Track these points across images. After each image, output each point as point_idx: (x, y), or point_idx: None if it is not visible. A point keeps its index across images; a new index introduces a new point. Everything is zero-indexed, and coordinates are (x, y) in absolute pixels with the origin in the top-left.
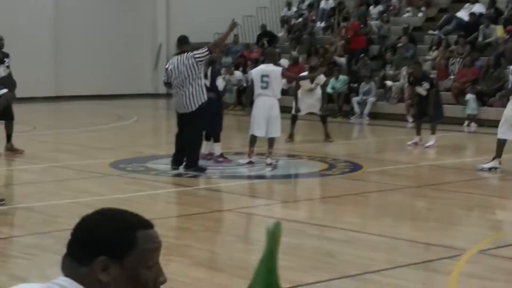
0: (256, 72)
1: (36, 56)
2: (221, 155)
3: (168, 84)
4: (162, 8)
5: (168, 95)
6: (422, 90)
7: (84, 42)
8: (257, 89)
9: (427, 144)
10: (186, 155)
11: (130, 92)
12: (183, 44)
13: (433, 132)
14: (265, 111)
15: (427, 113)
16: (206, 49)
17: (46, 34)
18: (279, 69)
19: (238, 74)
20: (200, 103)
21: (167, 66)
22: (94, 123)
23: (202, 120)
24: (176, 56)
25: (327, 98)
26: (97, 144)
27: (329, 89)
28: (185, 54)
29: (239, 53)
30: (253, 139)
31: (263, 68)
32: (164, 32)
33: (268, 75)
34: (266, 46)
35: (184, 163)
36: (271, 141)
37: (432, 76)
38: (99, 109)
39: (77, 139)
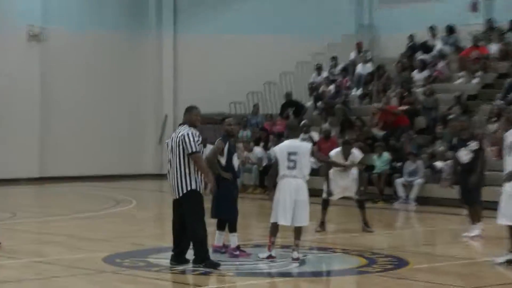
0: (281, 149)
1: (21, 134)
2: (238, 248)
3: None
4: (169, 74)
5: None
6: (465, 153)
7: (76, 117)
8: (282, 169)
9: (471, 234)
10: (193, 249)
11: (129, 172)
12: (185, 114)
13: (477, 220)
14: (291, 195)
15: (470, 187)
16: (197, 141)
17: (31, 111)
18: (309, 145)
19: (258, 150)
20: (193, 187)
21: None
22: (86, 209)
23: (198, 204)
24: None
25: (365, 180)
26: (89, 235)
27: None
28: (183, 126)
29: (260, 125)
30: (276, 228)
31: (289, 144)
32: (170, 101)
33: (296, 152)
34: (292, 117)
35: (187, 259)
36: (298, 231)
37: (481, 135)
38: (92, 193)
39: (65, 229)
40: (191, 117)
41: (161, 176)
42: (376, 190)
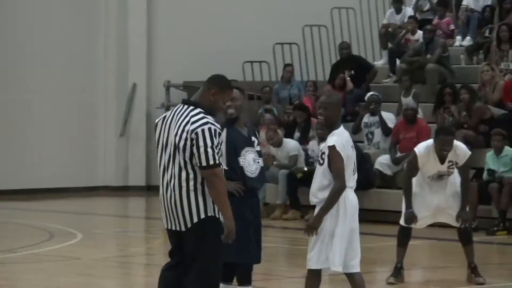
0: (344, 144)
1: None
2: None
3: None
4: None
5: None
6: None
7: None
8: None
9: None
10: None
11: (74, 184)
12: (203, 87)
13: None
14: (350, 221)
15: None
16: (218, 146)
17: None
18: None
19: (291, 144)
20: (209, 212)
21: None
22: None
23: (216, 239)
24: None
25: (475, 194)
26: None
27: None
28: (190, 108)
29: (295, 100)
30: (317, 279)
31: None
32: (142, 64)
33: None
34: (351, 86)
35: None
36: (354, 281)
37: None
38: (13, 219)
39: None
40: (213, 97)
41: (124, 190)
42: (494, 211)
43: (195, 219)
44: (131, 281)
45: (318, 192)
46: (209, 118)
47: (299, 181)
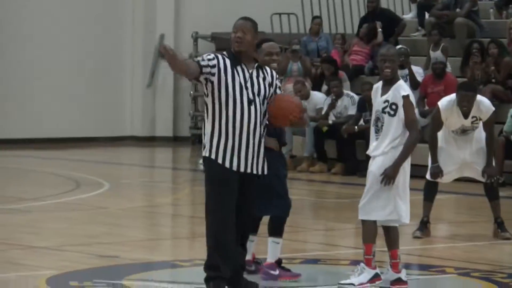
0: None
1: None
2: (278, 264)
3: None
4: None
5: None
6: None
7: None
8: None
9: None
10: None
11: (100, 134)
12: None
13: None
14: (376, 177)
15: None
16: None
17: None
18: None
19: (318, 97)
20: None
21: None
22: (25, 194)
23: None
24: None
25: (501, 150)
26: (29, 239)
27: None
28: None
29: (323, 53)
30: (374, 230)
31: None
32: (170, 17)
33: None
34: (381, 38)
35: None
36: (390, 236)
37: None
38: (39, 167)
39: None
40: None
41: (151, 140)
42: None
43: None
44: (157, 231)
45: (389, 143)
46: None
47: (325, 134)
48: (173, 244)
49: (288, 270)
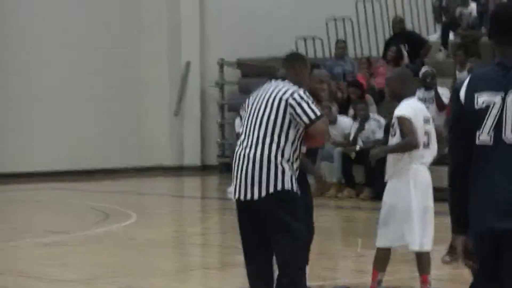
0: (416, 113)
1: None
2: None
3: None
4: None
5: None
6: None
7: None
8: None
9: None
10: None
11: (127, 164)
12: (285, 65)
13: None
14: (422, 198)
15: None
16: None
17: None
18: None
19: (345, 121)
20: (286, 186)
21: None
22: (52, 226)
23: (298, 215)
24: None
25: None
26: (55, 272)
27: None
28: (279, 81)
29: (348, 77)
30: (386, 257)
31: (420, 106)
32: (196, 44)
33: (429, 119)
34: (407, 61)
35: None
36: (422, 261)
37: None
38: (65, 199)
39: (18, 261)
40: (301, 75)
41: (179, 169)
42: None
43: (271, 189)
44: (187, 261)
45: (393, 164)
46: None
47: (354, 160)
48: (203, 274)
49: None
